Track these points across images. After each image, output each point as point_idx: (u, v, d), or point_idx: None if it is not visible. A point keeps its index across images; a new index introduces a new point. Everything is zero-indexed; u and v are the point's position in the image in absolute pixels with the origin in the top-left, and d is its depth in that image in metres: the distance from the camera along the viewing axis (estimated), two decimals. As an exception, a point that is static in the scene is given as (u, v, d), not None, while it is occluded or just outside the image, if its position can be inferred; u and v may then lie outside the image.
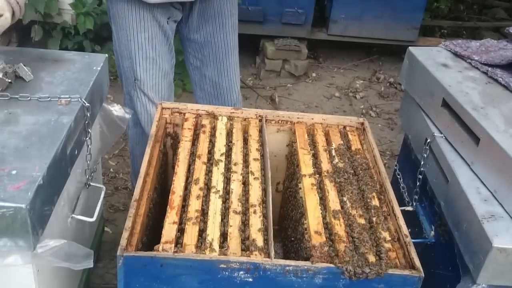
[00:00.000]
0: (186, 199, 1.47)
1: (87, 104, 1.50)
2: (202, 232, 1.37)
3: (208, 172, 1.57)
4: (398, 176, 1.95)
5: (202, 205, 1.44)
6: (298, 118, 1.86)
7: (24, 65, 1.57)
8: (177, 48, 2.14)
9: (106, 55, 1.84)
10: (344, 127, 1.89)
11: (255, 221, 1.41)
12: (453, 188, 1.53)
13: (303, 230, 1.47)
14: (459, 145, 1.62)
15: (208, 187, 1.51)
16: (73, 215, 1.53)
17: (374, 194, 1.56)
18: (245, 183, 1.55)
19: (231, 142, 1.71)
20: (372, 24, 4.29)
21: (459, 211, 1.47)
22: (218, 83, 2.15)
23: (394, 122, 3.82)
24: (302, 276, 1.27)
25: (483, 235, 1.31)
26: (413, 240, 1.40)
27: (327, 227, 1.44)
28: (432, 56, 1.94)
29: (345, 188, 1.57)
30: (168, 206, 1.44)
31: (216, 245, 1.32)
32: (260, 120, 1.86)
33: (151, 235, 1.48)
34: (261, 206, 1.46)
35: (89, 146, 1.58)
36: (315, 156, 1.72)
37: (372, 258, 1.30)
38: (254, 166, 1.63)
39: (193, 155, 1.62)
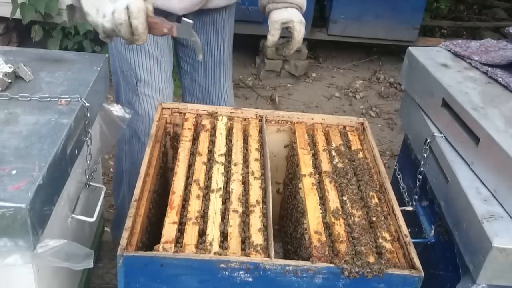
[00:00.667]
0: (186, 199, 1.47)
1: (87, 104, 1.51)
2: (202, 232, 1.37)
3: (208, 172, 1.57)
4: (398, 176, 1.95)
5: (202, 205, 1.45)
6: (298, 118, 1.86)
7: (24, 65, 1.57)
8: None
9: (106, 55, 1.84)
10: (344, 127, 1.89)
11: (255, 221, 1.41)
12: (453, 188, 1.53)
13: (303, 230, 1.47)
14: (459, 145, 1.63)
15: (208, 187, 1.51)
16: (73, 215, 1.53)
17: (374, 194, 1.56)
18: (245, 183, 1.55)
19: (231, 142, 1.71)
20: (372, 24, 4.29)
21: (459, 211, 1.47)
22: (208, 91, 2.14)
23: (394, 122, 3.82)
24: (302, 276, 1.27)
25: (483, 235, 1.31)
26: (413, 240, 1.40)
27: (327, 227, 1.44)
28: (432, 56, 1.94)
29: (345, 188, 1.57)
30: (168, 206, 1.44)
31: (216, 245, 1.33)
32: (260, 120, 1.86)
33: (151, 235, 1.48)
34: (261, 206, 1.46)
35: (89, 146, 1.59)
36: (315, 156, 1.72)
37: (372, 258, 1.30)
38: (254, 166, 1.63)
39: (193, 155, 1.62)
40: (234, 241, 1.35)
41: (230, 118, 1.86)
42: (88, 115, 1.53)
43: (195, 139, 1.70)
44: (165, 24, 1.38)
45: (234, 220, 1.41)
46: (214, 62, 2.09)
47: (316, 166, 1.68)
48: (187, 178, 1.55)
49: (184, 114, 1.81)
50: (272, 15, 1.89)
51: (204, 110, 1.83)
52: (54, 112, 1.45)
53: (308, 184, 1.58)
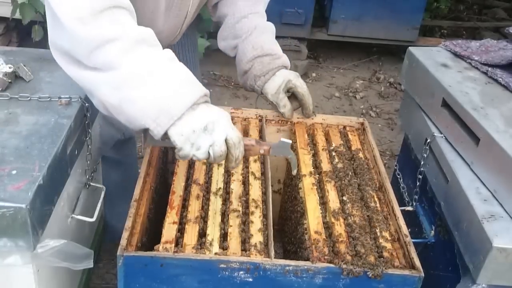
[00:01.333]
0: (186, 199, 1.47)
1: (87, 104, 1.50)
2: (202, 232, 1.37)
3: (208, 172, 1.57)
4: (398, 176, 1.95)
5: (202, 205, 1.45)
6: (298, 118, 1.86)
7: (24, 65, 1.57)
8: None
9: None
10: (344, 127, 1.89)
11: (255, 221, 1.41)
12: (453, 188, 1.53)
13: (303, 230, 1.47)
14: (459, 145, 1.62)
15: (208, 187, 1.51)
16: (73, 215, 1.53)
17: (374, 194, 1.56)
18: (245, 183, 1.55)
19: (231, 142, 1.71)
20: (372, 24, 4.29)
21: (459, 211, 1.47)
22: None
23: (394, 122, 3.82)
24: (302, 276, 1.27)
25: (483, 235, 1.31)
26: (413, 240, 1.40)
27: (327, 227, 1.44)
28: (432, 56, 1.94)
29: (345, 188, 1.57)
30: (168, 206, 1.44)
31: (216, 245, 1.33)
32: (260, 120, 1.86)
33: (151, 235, 1.48)
34: (261, 206, 1.46)
35: (89, 146, 1.58)
36: (315, 156, 1.72)
37: (372, 258, 1.30)
38: (254, 166, 1.63)
39: (193, 155, 1.62)
40: (234, 241, 1.35)
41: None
42: (88, 115, 1.53)
43: (195, 139, 1.70)
44: (261, 146, 1.33)
45: (234, 220, 1.41)
46: None
47: (316, 166, 1.68)
48: (187, 178, 1.55)
49: (184, 114, 1.81)
50: (267, 89, 1.77)
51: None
52: (54, 112, 1.45)
53: (308, 184, 1.58)
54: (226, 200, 1.48)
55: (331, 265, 1.28)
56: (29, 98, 1.48)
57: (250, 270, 1.26)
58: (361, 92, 4.21)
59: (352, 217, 1.46)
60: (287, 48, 4.20)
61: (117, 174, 2.01)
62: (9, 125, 1.37)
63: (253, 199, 1.49)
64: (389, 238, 1.41)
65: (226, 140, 1.28)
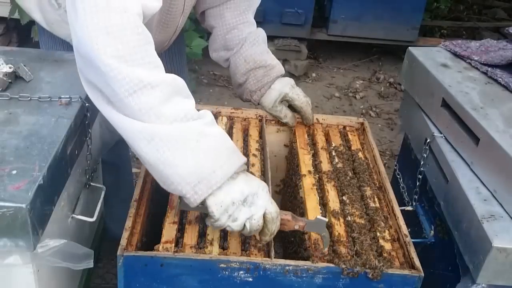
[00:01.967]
0: (186, 199, 1.46)
1: (87, 104, 1.50)
2: (202, 232, 1.37)
3: (208, 172, 1.57)
4: (398, 176, 1.95)
5: (202, 205, 1.44)
6: (298, 118, 1.86)
7: (24, 65, 1.57)
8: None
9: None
10: (344, 127, 1.89)
11: (255, 221, 1.41)
12: (453, 188, 1.53)
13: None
14: (459, 145, 1.62)
15: (208, 187, 1.51)
16: (73, 215, 1.53)
17: (374, 194, 1.56)
18: (245, 183, 1.55)
19: (231, 142, 1.71)
20: (372, 24, 4.29)
21: (459, 211, 1.47)
22: None
23: (394, 122, 3.82)
24: (302, 276, 1.27)
25: (483, 235, 1.31)
26: (413, 240, 1.40)
27: (327, 226, 1.44)
28: (432, 56, 1.94)
29: (345, 188, 1.57)
30: (168, 206, 1.44)
31: (216, 245, 1.33)
32: (260, 120, 1.86)
33: (151, 235, 1.48)
34: (261, 206, 1.46)
35: (89, 146, 1.58)
36: (315, 156, 1.72)
37: (372, 258, 1.30)
38: (255, 166, 1.63)
39: (193, 155, 1.62)
40: (234, 241, 1.35)
41: (230, 118, 1.86)
42: (88, 115, 1.53)
43: (195, 139, 1.70)
44: (297, 221, 1.31)
45: (234, 220, 1.40)
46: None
47: (316, 166, 1.68)
48: (187, 178, 1.54)
49: (184, 114, 1.81)
50: (264, 103, 1.76)
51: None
52: (54, 112, 1.45)
53: (308, 184, 1.58)
54: (226, 200, 1.48)
55: (331, 265, 1.28)
56: (29, 98, 1.48)
57: (250, 270, 1.26)
58: (361, 92, 4.21)
59: (352, 217, 1.46)
60: (287, 48, 4.21)
61: (111, 175, 2.02)
62: (9, 125, 1.37)
63: (253, 199, 1.48)
64: (389, 238, 1.41)
65: (264, 214, 1.25)
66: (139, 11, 1.17)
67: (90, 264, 1.36)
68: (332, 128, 1.88)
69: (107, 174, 1.99)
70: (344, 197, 1.53)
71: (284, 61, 4.09)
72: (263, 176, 1.59)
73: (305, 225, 1.31)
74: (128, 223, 1.35)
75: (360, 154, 1.74)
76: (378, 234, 1.42)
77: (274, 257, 1.29)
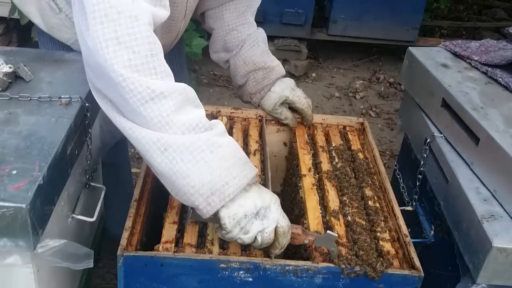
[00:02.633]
0: (186, 199, 1.46)
1: (87, 104, 1.50)
2: (202, 232, 1.37)
3: (208, 172, 1.57)
4: (398, 176, 1.95)
5: (202, 205, 1.44)
6: (298, 118, 1.86)
7: (24, 65, 1.57)
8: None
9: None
10: (344, 127, 1.89)
11: (255, 221, 1.41)
12: (453, 188, 1.53)
13: (303, 230, 1.47)
14: (459, 145, 1.62)
15: (208, 187, 1.51)
16: (73, 215, 1.53)
17: (374, 194, 1.56)
18: (245, 183, 1.55)
19: (231, 142, 1.71)
20: (372, 25, 4.29)
21: (459, 211, 1.47)
22: None
23: (394, 122, 3.82)
24: (302, 276, 1.27)
25: (483, 235, 1.31)
26: (413, 240, 1.40)
27: (327, 227, 1.44)
28: (432, 56, 1.94)
29: (345, 188, 1.57)
30: (168, 206, 1.44)
31: (216, 245, 1.33)
32: (260, 120, 1.86)
33: (151, 235, 1.48)
34: (261, 206, 1.46)
35: (89, 146, 1.58)
36: (315, 156, 1.72)
37: (372, 258, 1.30)
38: (252, 163, 1.62)
39: (193, 155, 1.62)
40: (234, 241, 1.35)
41: (230, 118, 1.86)
42: (88, 115, 1.53)
43: (195, 139, 1.70)
44: (307, 235, 1.31)
45: (234, 220, 1.40)
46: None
47: (316, 166, 1.68)
48: (187, 178, 1.54)
49: (184, 114, 1.81)
50: (264, 105, 1.77)
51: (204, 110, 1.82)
52: (54, 112, 1.45)
53: (308, 184, 1.58)
54: (226, 200, 1.48)
55: (331, 265, 1.28)
56: (29, 98, 1.47)
57: (250, 270, 1.26)
58: (361, 92, 4.21)
59: (352, 217, 1.46)
60: (287, 48, 4.21)
61: (110, 176, 2.01)
62: (9, 125, 1.37)
63: (253, 199, 1.48)
64: (389, 238, 1.41)
65: (276, 228, 1.25)
66: (150, 21, 1.17)
67: (90, 264, 1.36)
68: (332, 128, 1.88)
69: (107, 174, 1.99)
70: (344, 197, 1.53)
71: (284, 61, 4.09)
72: (263, 176, 1.59)
73: (314, 240, 1.31)
74: (128, 223, 1.35)
75: (360, 154, 1.74)
76: (378, 234, 1.42)
77: (274, 257, 1.29)
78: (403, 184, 1.88)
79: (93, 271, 2.04)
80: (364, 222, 1.44)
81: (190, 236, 1.34)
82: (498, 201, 1.42)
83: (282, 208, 1.30)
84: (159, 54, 1.17)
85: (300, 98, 1.77)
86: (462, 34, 5.18)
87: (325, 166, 1.66)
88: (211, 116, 1.82)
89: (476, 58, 1.90)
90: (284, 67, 1.84)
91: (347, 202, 1.51)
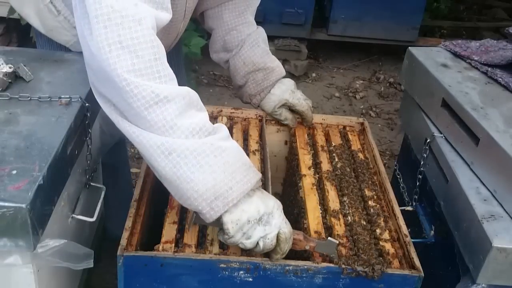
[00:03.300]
0: (186, 199, 1.46)
1: (87, 104, 1.50)
2: (202, 232, 1.37)
3: (208, 172, 1.57)
4: (398, 176, 1.94)
5: (202, 205, 1.44)
6: (298, 118, 1.86)
7: (24, 65, 1.57)
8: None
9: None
10: (344, 127, 1.89)
11: (255, 221, 1.41)
12: (453, 188, 1.53)
13: (303, 230, 1.47)
14: (459, 145, 1.62)
15: (208, 187, 1.51)
16: (73, 215, 1.53)
17: (374, 194, 1.56)
18: (245, 183, 1.55)
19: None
20: (372, 25, 4.29)
21: (459, 211, 1.47)
22: None
23: (394, 122, 3.82)
24: (302, 276, 1.27)
25: (483, 235, 1.31)
26: (413, 240, 1.40)
27: (327, 227, 1.44)
28: (432, 56, 1.94)
29: (345, 188, 1.57)
30: (168, 206, 1.44)
31: (216, 245, 1.33)
32: (260, 120, 1.86)
33: (151, 235, 1.48)
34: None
35: (89, 146, 1.58)
36: (315, 156, 1.72)
37: (372, 258, 1.30)
38: (254, 166, 1.62)
39: (193, 155, 1.62)
40: (234, 241, 1.35)
41: (230, 118, 1.86)
42: (88, 115, 1.53)
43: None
44: (308, 241, 1.31)
45: (234, 220, 1.40)
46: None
47: (316, 166, 1.68)
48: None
49: (184, 114, 1.81)
50: (264, 107, 1.78)
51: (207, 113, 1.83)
52: (54, 112, 1.45)
53: (308, 184, 1.58)
54: (226, 200, 1.48)
55: (331, 265, 1.28)
56: (29, 98, 1.47)
57: (250, 270, 1.26)
58: (361, 92, 4.21)
59: (352, 217, 1.46)
60: (287, 48, 4.21)
61: (109, 176, 2.01)
62: (9, 125, 1.37)
63: (253, 199, 1.48)
64: (389, 238, 1.41)
65: (278, 234, 1.25)
66: (153, 24, 1.16)
67: (90, 264, 1.36)
68: (332, 128, 1.88)
69: (106, 174, 1.99)
70: (344, 197, 1.53)
71: (284, 61, 4.09)
72: (263, 176, 1.59)
73: (315, 246, 1.31)
74: (128, 223, 1.35)
75: (360, 154, 1.74)
76: (378, 234, 1.42)
77: (274, 257, 1.29)
78: (403, 184, 1.88)
79: (93, 271, 2.04)
80: (364, 222, 1.44)
81: (190, 236, 1.34)
82: (498, 201, 1.42)
83: (283, 209, 1.30)
84: (162, 58, 1.16)
85: (300, 100, 1.77)
86: (462, 34, 5.18)
87: (325, 166, 1.66)
88: (211, 117, 1.82)
89: (476, 58, 1.90)
90: (284, 67, 1.84)
91: (347, 202, 1.51)
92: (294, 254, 1.45)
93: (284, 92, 1.76)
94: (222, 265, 1.26)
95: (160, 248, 1.29)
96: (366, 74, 4.51)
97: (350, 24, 4.30)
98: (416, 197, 1.75)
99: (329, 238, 1.31)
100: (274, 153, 1.90)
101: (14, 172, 1.21)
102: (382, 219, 1.47)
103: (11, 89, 1.52)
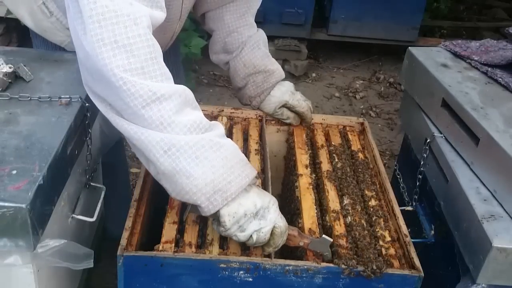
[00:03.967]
0: (186, 199, 1.46)
1: (87, 104, 1.50)
2: (202, 232, 1.37)
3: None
4: (398, 176, 1.95)
5: (202, 205, 1.44)
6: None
7: (24, 65, 1.57)
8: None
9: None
10: (344, 127, 1.89)
11: (255, 221, 1.41)
12: (453, 188, 1.53)
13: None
14: (459, 145, 1.63)
15: (208, 187, 1.51)
16: (73, 215, 1.53)
17: (374, 194, 1.56)
18: (245, 183, 1.55)
19: (231, 142, 1.71)
20: (372, 25, 4.29)
21: (459, 211, 1.47)
22: None
23: (394, 122, 3.82)
24: (302, 276, 1.27)
25: (483, 235, 1.31)
26: (413, 240, 1.40)
27: (327, 227, 1.44)
28: (432, 56, 1.94)
29: (345, 188, 1.57)
30: (168, 206, 1.44)
31: (216, 245, 1.33)
32: (260, 120, 1.86)
33: (151, 235, 1.48)
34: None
35: (89, 146, 1.58)
36: (315, 156, 1.72)
37: (371, 258, 1.30)
38: (254, 166, 1.63)
39: (193, 155, 1.62)
40: (234, 241, 1.35)
41: (230, 118, 1.86)
42: (88, 115, 1.53)
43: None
44: (302, 238, 1.32)
45: (234, 220, 1.40)
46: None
47: (316, 166, 1.68)
48: (187, 178, 1.54)
49: (184, 114, 1.81)
50: (264, 108, 1.79)
51: (204, 111, 1.82)
52: (54, 112, 1.45)
53: (304, 184, 1.58)
54: (226, 200, 1.48)
55: (331, 265, 1.28)
56: (29, 98, 1.47)
57: (250, 270, 1.26)
58: (361, 92, 4.21)
59: (352, 217, 1.46)
60: (287, 48, 4.21)
61: (108, 176, 2.01)
62: (9, 125, 1.37)
63: (253, 199, 1.48)
64: (389, 238, 1.41)
65: (273, 229, 1.26)
66: (148, 23, 1.16)
67: (90, 264, 1.36)
68: (332, 128, 1.88)
69: (104, 174, 1.99)
70: (344, 197, 1.53)
71: (284, 61, 4.08)
72: (263, 176, 1.59)
73: (309, 243, 1.32)
74: (128, 223, 1.35)
75: (360, 154, 1.74)
76: (378, 234, 1.42)
77: (274, 257, 1.29)
78: (403, 184, 1.88)
79: (93, 271, 2.04)
80: (364, 222, 1.44)
81: (190, 236, 1.34)
82: (498, 201, 1.42)
83: (282, 208, 1.31)
84: (158, 57, 1.16)
85: (299, 101, 1.78)
86: (462, 34, 5.18)
87: (325, 166, 1.66)
88: (211, 116, 1.82)
89: (476, 58, 1.90)
90: (284, 67, 1.84)
91: (347, 202, 1.51)
92: (290, 253, 1.45)
93: (284, 93, 1.76)
94: (222, 265, 1.26)
95: (160, 248, 1.29)
96: (366, 74, 4.51)
97: (350, 24, 4.30)
98: (416, 197, 1.75)
99: (323, 236, 1.31)
100: (274, 153, 1.90)
101: (14, 172, 1.21)
102: (382, 219, 1.47)
103: (11, 89, 1.52)
